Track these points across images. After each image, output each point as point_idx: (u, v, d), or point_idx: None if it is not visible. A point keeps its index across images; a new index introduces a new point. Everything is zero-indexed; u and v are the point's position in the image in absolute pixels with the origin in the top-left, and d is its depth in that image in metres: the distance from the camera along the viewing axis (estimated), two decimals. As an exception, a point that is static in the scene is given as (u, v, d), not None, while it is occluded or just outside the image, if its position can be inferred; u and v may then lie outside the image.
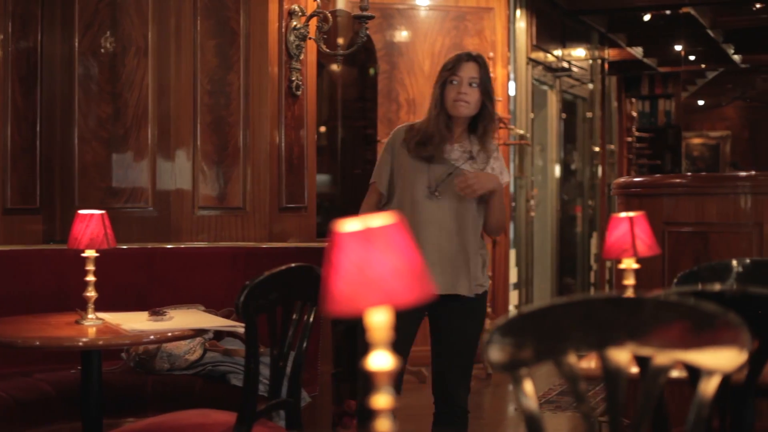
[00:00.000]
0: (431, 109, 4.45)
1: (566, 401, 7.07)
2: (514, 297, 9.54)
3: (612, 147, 13.29)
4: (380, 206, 4.53)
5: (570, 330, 2.15)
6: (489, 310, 8.40)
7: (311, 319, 3.63)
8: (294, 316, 3.57)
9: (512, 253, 9.43)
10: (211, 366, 4.56)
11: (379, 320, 1.64)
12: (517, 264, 9.69)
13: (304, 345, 3.63)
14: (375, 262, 1.62)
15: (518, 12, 9.57)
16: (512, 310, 9.44)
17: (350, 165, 7.53)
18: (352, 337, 5.63)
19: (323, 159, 7.32)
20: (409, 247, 1.67)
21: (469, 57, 4.45)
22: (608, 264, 12.95)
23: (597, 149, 12.70)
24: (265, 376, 3.75)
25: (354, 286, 1.62)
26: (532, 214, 10.11)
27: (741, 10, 12.69)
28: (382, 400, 1.66)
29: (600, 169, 12.75)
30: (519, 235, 9.70)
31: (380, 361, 1.66)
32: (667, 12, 12.20)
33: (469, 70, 4.39)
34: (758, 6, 12.05)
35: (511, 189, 9.33)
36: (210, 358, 4.61)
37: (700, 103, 19.57)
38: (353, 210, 7.21)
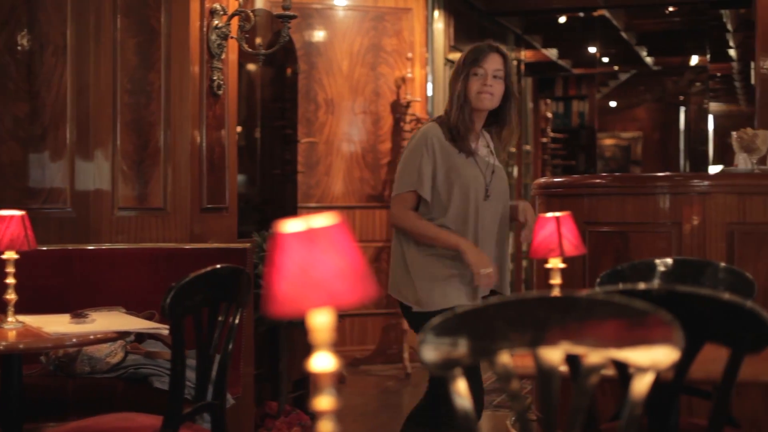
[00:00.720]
0: (453, 102, 4.32)
1: (487, 400, 7.10)
2: (432, 297, 9.56)
3: (527, 147, 13.40)
4: (424, 212, 4.30)
5: (504, 329, 2.15)
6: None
7: (237, 321, 3.60)
8: (220, 318, 3.54)
9: (430, 253, 9.45)
10: (133, 369, 4.50)
11: (322, 321, 1.63)
12: (435, 264, 9.71)
13: (230, 347, 3.60)
14: (318, 263, 1.61)
15: (436, 13, 9.59)
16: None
17: (269, 165, 7.48)
18: (274, 338, 5.60)
19: (241, 159, 7.28)
20: (352, 247, 1.66)
21: (493, 48, 4.35)
22: (524, 264, 13.05)
23: (513, 150, 12.78)
24: (189, 378, 3.71)
25: (297, 287, 1.60)
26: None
27: (654, 14, 12.88)
28: (325, 401, 1.65)
29: (516, 170, 12.84)
30: (437, 235, 9.73)
31: (323, 362, 1.65)
32: (582, 14, 12.33)
33: (493, 62, 4.30)
34: (671, 9, 12.25)
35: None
36: (132, 361, 4.55)
37: (613, 104, 19.82)
38: (271, 211, 7.19)
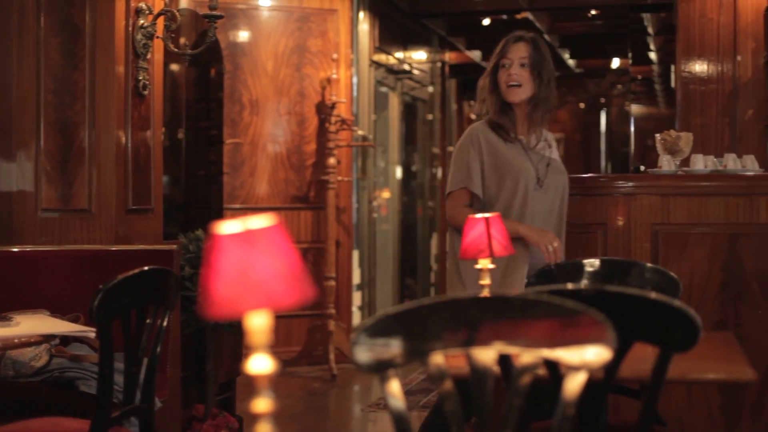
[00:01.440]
0: (486, 97, 4.32)
1: (412, 401, 7.12)
2: (357, 298, 9.57)
3: (451, 149, 13.44)
4: (478, 209, 4.24)
5: (437, 330, 2.15)
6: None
7: (165, 323, 3.57)
8: (148, 320, 3.51)
9: (355, 254, 9.46)
10: (58, 372, 4.43)
11: (259, 323, 1.62)
12: (360, 265, 9.73)
13: (158, 350, 3.57)
14: (256, 265, 1.60)
15: (361, 14, 9.61)
16: (355, 311, 9.48)
17: (193, 166, 7.42)
18: (200, 340, 5.56)
19: (165, 160, 7.21)
20: (290, 248, 1.65)
21: (518, 38, 4.31)
22: (448, 265, 13.09)
23: (437, 151, 12.84)
24: (116, 382, 3.66)
25: (234, 288, 1.59)
26: (375, 215, 10.17)
27: (576, 17, 13.01)
28: (262, 404, 1.64)
29: (440, 171, 12.89)
30: (362, 236, 9.74)
31: (260, 365, 1.64)
32: (506, 17, 12.42)
33: (518, 51, 4.26)
34: (593, 13, 12.38)
35: (354, 190, 9.35)
36: (57, 365, 4.48)
37: (535, 106, 19.94)
38: (196, 212, 7.14)
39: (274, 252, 1.62)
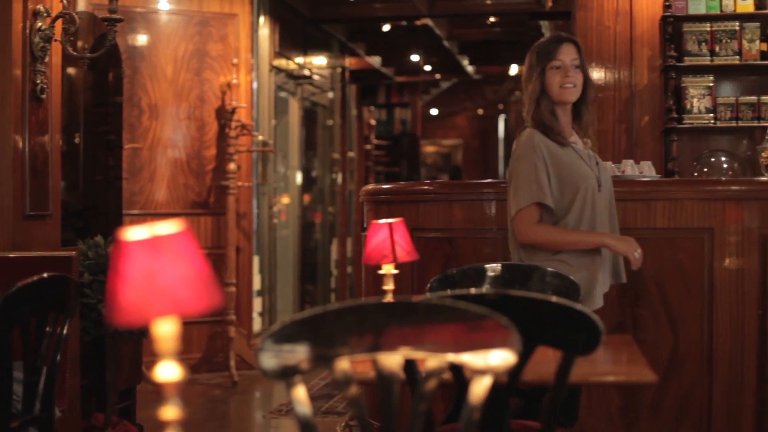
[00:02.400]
0: (534, 100, 4.19)
1: (314, 406, 7.11)
2: (257, 304, 9.52)
3: (351, 154, 13.48)
4: (551, 223, 4.13)
5: (344, 335, 2.15)
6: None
7: (65, 331, 3.52)
8: (48, 329, 3.45)
9: (255, 260, 9.41)
10: (-48, 382, 4.34)
11: (166, 330, 1.61)
12: (261, 271, 9.68)
13: (58, 358, 3.51)
14: (163, 271, 1.58)
15: (262, 19, 9.57)
16: (256, 317, 9.43)
17: (91, 171, 7.31)
18: (100, 348, 5.48)
19: (62, 165, 7.11)
20: (198, 255, 1.64)
21: (562, 39, 4.24)
22: (349, 270, 13.12)
23: (337, 156, 12.85)
24: (15, 392, 3.60)
25: (142, 295, 1.57)
26: (275, 221, 10.13)
27: (475, 23, 13.12)
28: (170, 411, 1.62)
29: (340, 176, 12.90)
30: (262, 241, 9.70)
31: (168, 372, 1.62)
32: (405, 23, 12.48)
33: (570, 53, 4.19)
34: (492, 20, 12.49)
35: (254, 196, 9.31)
36: (-49, 374, 4.38)
37: (434, 112, 20.13)
38: (94, 218, 7.04)
39: (181, 258, 1.60)
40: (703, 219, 4.93)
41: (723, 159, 7.40)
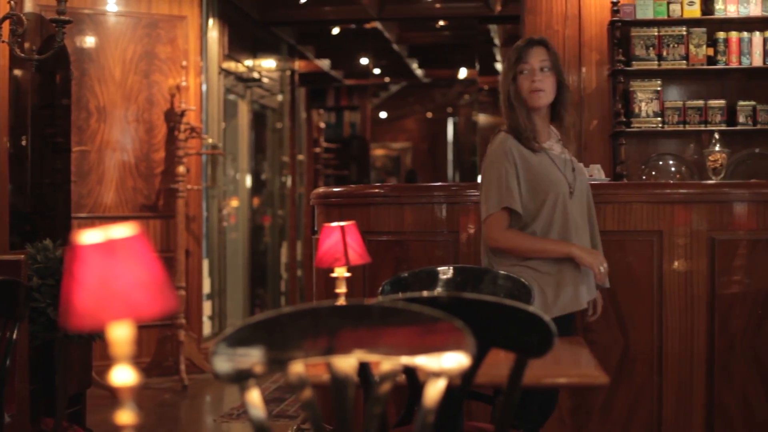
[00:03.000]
0: (509, 106, 4.18)
1: (266, 409, 7.07)
2: (207, 308, 9.48)
3: (301, 157, 13.45)
4: (522, 227, 4.13)
5: (298, 339, 2.15)
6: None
7: (14, 336, 3.48)
8: (-4, 333, 3.42)
9: (205, 264, 9.37)
10: None
11: (121, 334, 1.59)
12: (210, 274, 9.64)
13: (7, 363, 3.47)
14: (118, 275, 1.57)
15: (211, 21, 9.53)
16: (206, 321, 9.39)
17: (39, 174, 7.25)
18: (49, 352, 5.43)
19: (9, 168, 7.04)
20: (152, 258, 1.63)
21: (534, 42, 4.20)
22: (299, 273, 13.10)
23: (286, 159, 12.82)
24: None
25: (96, 299, 1.56)
26: (225, 224, 10.09)
27: (425, 27, 13.16)
28: (125, 415, 1.61)
29: (290, 179, 12.87)
30: (212, 245, 9.66)
31: (123, 376, 1.61)
32: (355, 26, 12.48)
33: (538, 55, 4.15)
34: (441, 24, 12.53)
35: (203, 199, 9.26)
36: None
37: (384, 115, 20.14)
38: (42, 221, 6.97)
39: (136, 262, 1.59)
40: (652, 222, 4.97)
41: (671, 162, 7.47)
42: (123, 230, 1.59)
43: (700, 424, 4.96)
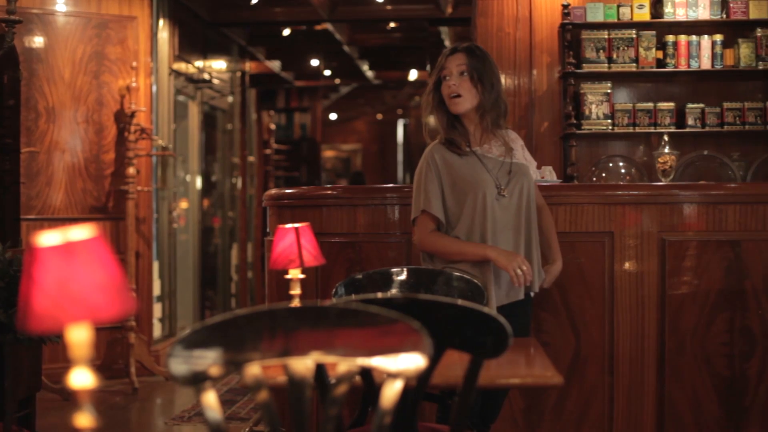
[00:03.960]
0: (432, 113, 4.26)
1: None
2: (157, 310, 9.43)
3: (251, 159, 13.41)
4: (444, 230, 4.19)
5: (255, 340, 2.15)
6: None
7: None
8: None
9: (155, 265, 9.32)
10: None
11: (79, 336, 1.58)
12: (161, 276, 9.58)
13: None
14: (77, 277, 1.56)
15: (161, 22, 9.47)
16: (156, 323, 9.34)
17: (-14, 175, 7.18)
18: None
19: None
20: (111, 260, 1.62)
21: (453, 50, 4.22)
22: (249, 275, 13.06)
23: (237, 161, 12.78)
24: None
25: (55, 301, 1.55)
26: (175, 225, 10.04)
27: (375, 29, 13.17)
28: (83, 419, 1.60)
29: (240, 181, 12.83)
30: (162, 247, 9.60)
31: (81, 379, 1.60)
32: (305, 28, 12.46)
33: (455, 60, 4.17)
34: (392, 25, 12.54)
35: (153, 200, 9.21)
36: None
37: (334, 117, 20.14)
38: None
39: (95, 264, 1.58)
40: (603, 223, 5.02)
41: (621, 164, 7.54)
42: (81, 232, 1.58)
43: (651, 423, 5.01)
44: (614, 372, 5.01)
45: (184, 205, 10.93)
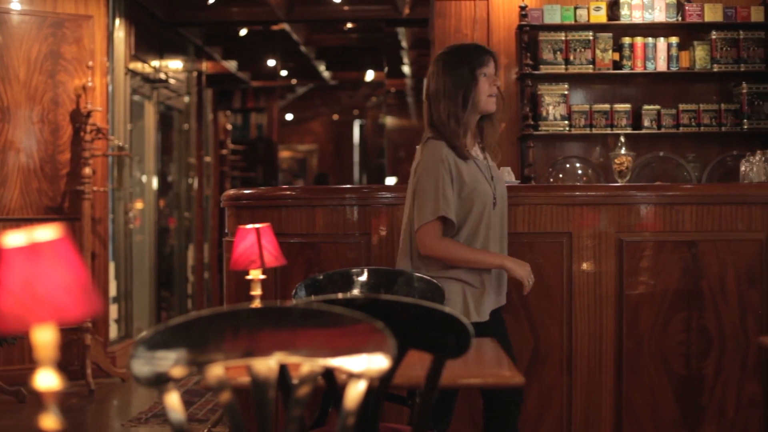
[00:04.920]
0: (459, 106, 4.11)
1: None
2: (113, 311, 9.37)
3: (208, 159, 13.36)
4: (454, 235, 4.11)
5: (217, 341, 2.14)
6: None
7: None
8: None
9: (111, 267, 9.26)
10: None
11: (45, 338, 1.58)
12: (117, 277, 9.52)
13: None
14: (42, 278, 1.55)
15: (117, 21, 9.42)
16: (112, 324, 9.28)
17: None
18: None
19: None
20: (76, 261, 1.61)
21: (491, 51, 4.23)
22: (206, 275, 13.01)
23: (193, 161, 12.73)
24: None
25: (21, 302, 1.54)
26: (131, 226, 9.98)
27: (332, 29, 13.17)
28: (50, 420, 1.59)
29: (196, 181, 12.78)
30: (118, 248, 9.54)
31: (46, 380, 1.59)
32: (262, 28, 12.44)
33: (492, 65, 4.18)
34: (349, 26, 12.55)
35: (109, 201, 9.15)
36: None
37: (290, 117, 20.11)
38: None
39: (61, 265, 1.58)
40: (561, 224, 5.04)
41: (577, 165, 7.58)
42: (47, 233, 1.58)
43: (610, 422, 5.04)
44: (573, 371, 5.04)
45: (140, 205, 10.86)
